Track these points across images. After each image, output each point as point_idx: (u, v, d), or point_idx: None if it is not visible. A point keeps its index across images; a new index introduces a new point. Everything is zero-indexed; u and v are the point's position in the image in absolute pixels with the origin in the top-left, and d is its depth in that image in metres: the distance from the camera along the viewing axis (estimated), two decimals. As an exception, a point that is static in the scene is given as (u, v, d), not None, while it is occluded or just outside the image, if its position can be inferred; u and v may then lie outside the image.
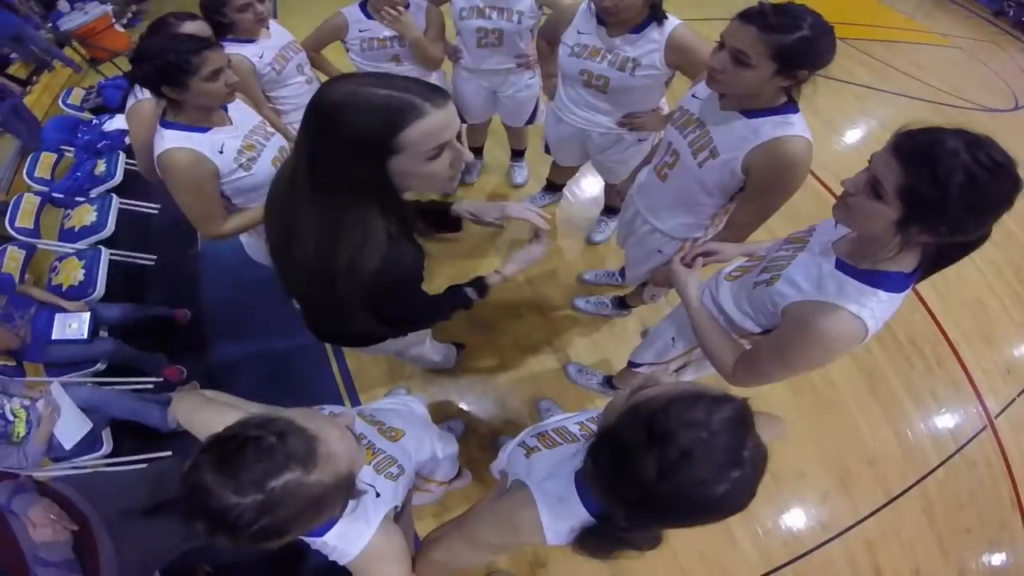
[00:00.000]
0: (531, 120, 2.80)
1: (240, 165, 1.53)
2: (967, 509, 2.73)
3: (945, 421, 2.86)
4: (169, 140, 1.41)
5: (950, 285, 3.37)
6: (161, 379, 2.51)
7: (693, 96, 1.46)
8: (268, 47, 2.03)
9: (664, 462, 0.64)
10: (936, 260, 0.96)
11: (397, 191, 0.94)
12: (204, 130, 1.45)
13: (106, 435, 2.12)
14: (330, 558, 0.90)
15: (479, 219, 1.32)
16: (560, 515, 0.88)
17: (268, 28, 2.05)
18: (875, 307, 0.95)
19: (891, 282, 0.96)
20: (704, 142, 1.40)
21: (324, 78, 2.02)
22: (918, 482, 2.64)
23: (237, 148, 1.52)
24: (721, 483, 0.63)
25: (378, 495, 0.98)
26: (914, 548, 2.54)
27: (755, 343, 1.22)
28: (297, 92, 2.19)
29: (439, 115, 0.84)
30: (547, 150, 2.60)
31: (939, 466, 2.72)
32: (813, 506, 2.44)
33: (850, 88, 5.01)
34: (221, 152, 1.48)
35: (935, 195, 0.80)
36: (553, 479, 0.93)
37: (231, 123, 1.54)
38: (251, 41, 1.99)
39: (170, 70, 1.31)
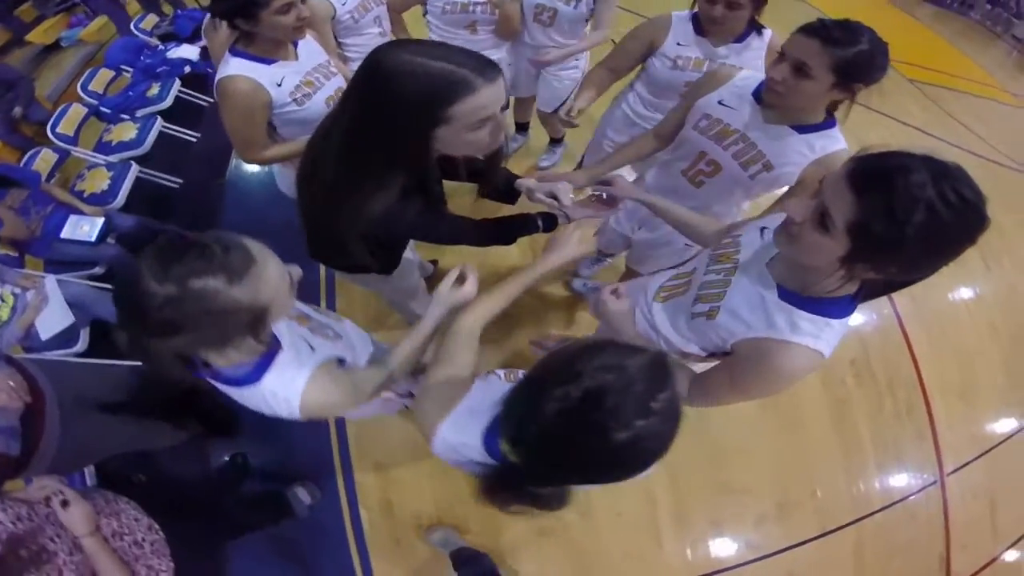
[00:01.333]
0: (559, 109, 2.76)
1: (294, 100, 1.56)
2: (896, 559, 2.70)
3: (898, 469, 2.81)
4: (232, 67, 1.46)
5: (945, 335, 3.27)
6: None
7: (721, 103, 1.43)
8: None
9: (567, 401, 0.61)
10: (882, 290, 0.92)
11: (432, 155, 1.00)
12: (269, 62, 1.50)
13: (84, 333, 2.14)
14: (275, 412, 0.92)
15: (532, 198, 1.40)
16: (460, 428, 0.90)
17: None
18: (829, 336, 0.94)
19: (839, 309, 0.93)
20: (753, 156, 1.40)
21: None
22: (855, 522, 2.59)
23: (295, 84, 1.56)
24: (622, 430, 0.60)
25: (313, 349, 1.02)
26: None
27: (708, 371, 1.20)
28: (370, 43, 2.18)
29: (489, 90, 0.89)
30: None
31: (880, 511, 2.67)
32: (747, 525, 2.39)
33: (904, 128, 4.81)
34: (279, 85, 1.52)
35: (890, 233, 0.71)
36: (479, 401, 0.93)
37: (296, 59, 1.58)
38: None
39: (244, 2, 1.37)
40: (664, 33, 1.70)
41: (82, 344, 2.11)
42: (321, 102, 1.63)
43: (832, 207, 0.76)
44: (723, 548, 2.32)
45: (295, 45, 1.59)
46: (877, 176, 0.72)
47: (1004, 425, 3.16)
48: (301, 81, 1.57)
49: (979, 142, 5.25)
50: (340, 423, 2.14)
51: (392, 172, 1.00)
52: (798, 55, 1.18)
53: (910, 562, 2.74)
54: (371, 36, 2.24)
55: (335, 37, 2.16)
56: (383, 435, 2.11)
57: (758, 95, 1.34)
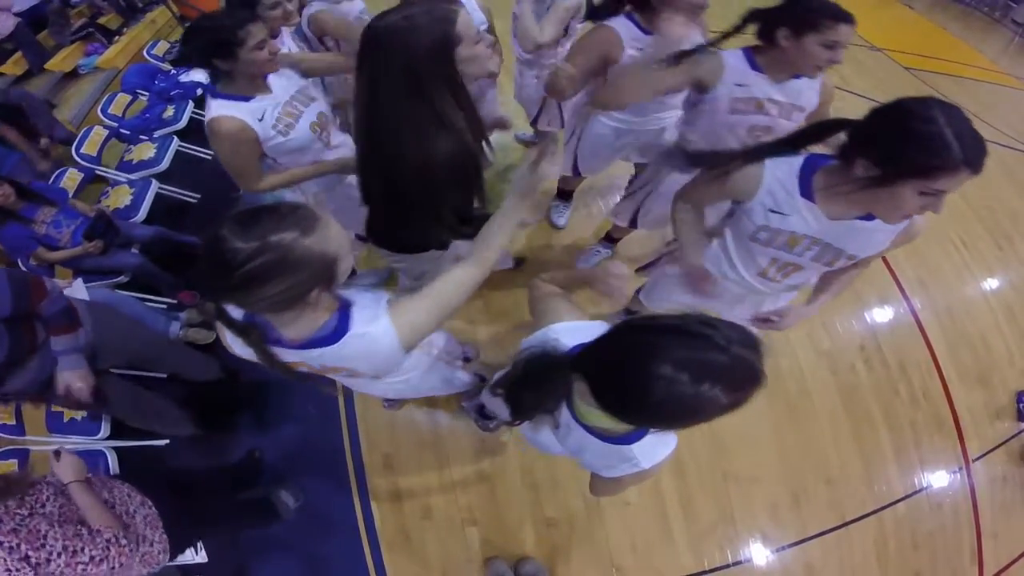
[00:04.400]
0: (535, 121, 2.81)
1: (278, 131, 1.65)
2: (922, 551, 2.62)
3: (918, 455, 2.73)
4: (216, 109, 1.56)
5: (956, 319, 3.20)
6: (176, 300, 2.70)
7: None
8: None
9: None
10: None
11: (461, 77, 1.18)
12: (248, 99, 1.59)
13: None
14: (374, 349, 0.98)
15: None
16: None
17: None
18: None
19: None
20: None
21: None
22: (875, 512, 2.53)
23: (276, 116, 1.65)
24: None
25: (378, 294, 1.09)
26: None
27: None
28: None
29: (464, 11, 1.14)
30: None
31: (902, 500, 2.60)
32: (759, 516, 2.35)
33: None
34: (261, 120, 1.61)
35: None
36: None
37: (271, 92, 1.65)
38: None
39: (222, 41, 1.47)
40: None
41: None
42: (306, 128, 1.73)
43: None
44: (735, 540, 2.28)
45: (265, 79, 1.65)
46: None
47: (1030, 409, 3.07)
48: (281, 112, 1.65)
49: (985, 127, 5.17)
50: (351, 417, 2.20)
51: (445, 105, 1.17)
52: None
53: (938, 553, 2.65)
54: None
55: None
56: (391, 428, 2.17)
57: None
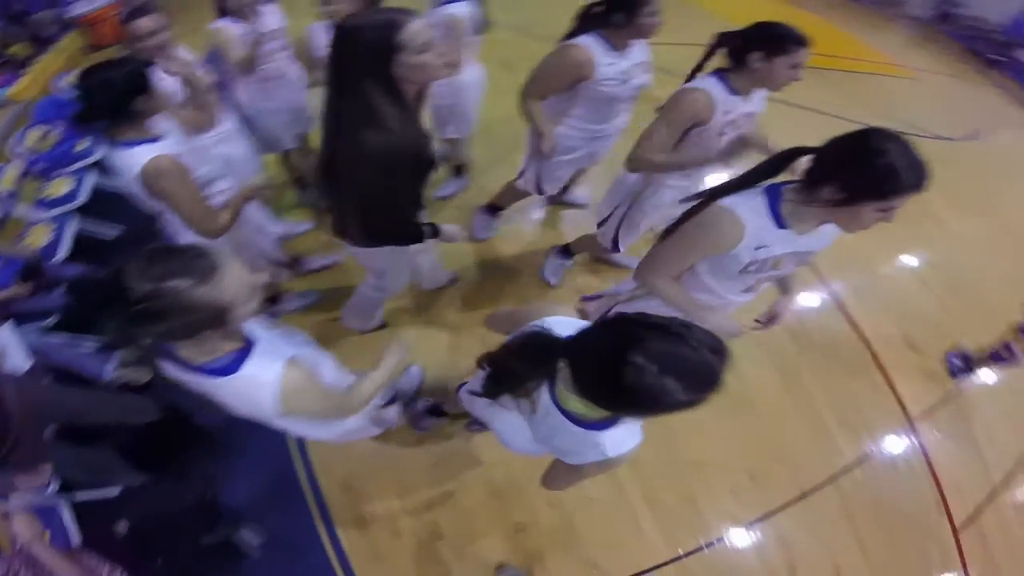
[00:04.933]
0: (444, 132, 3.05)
1: (191, 166, 1.68)
2: (888, 511, 2.72)
3: (862, 423, 2.88)
4: (143, 155, 1.53)
5: (875, 294, 3.48)
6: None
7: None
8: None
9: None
10: None
11: (400, 79, 1.30)
12: (156, 139, 1.60)
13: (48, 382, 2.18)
14: (255, 402, 1.04)
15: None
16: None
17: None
18: None
19: None
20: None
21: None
22: (832, 480, 2.64)
23: (183, 151, 1.69)
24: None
25: (287, 346, 1.17)
26: (832, 546, 2.53)
27: None
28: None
29: (417, 23, 1.26)
30: None
31: (855, 466, 2.73)
32: (721, 498, 2.44)
33: (815, 115, 5.29)
34: (177, 154, 1.62)
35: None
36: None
37: (163, 130, 1.70)
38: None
39: (132, 93, 1.49)
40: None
41: None
42: (218, 160, 1.86)
43: None
44: (703, 523, 2.35)
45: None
46: None
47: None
48: (186, 149, 1.71)
49: (887, 120, 5.70)
50: (302, 447, 2.21)
51: (378, 103, 1.29)
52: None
53: (905, 511, 2.76)
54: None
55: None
56: (344, 450, 2.19)
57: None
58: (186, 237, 1.79)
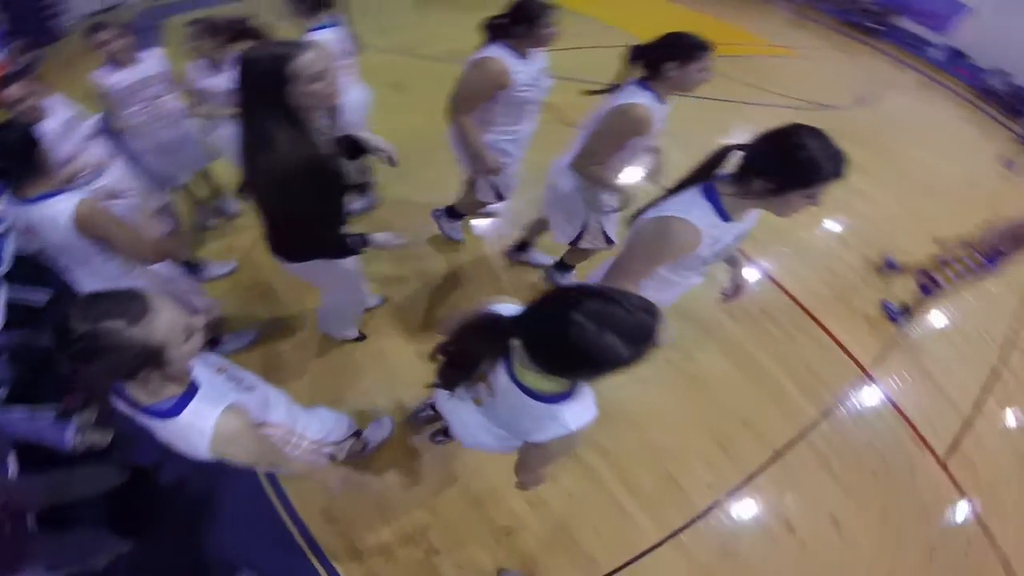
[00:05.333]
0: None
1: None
2: (866, 457, 2.83)
3: (816, 379, 3.04)
4: (66, 202, 1.59)
5: (799, 257, 3.76)
6: (62, 406, 2.45)
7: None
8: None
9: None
10: None
11: (294, 104, 1.39)
12: (70, 187, 1.67)
13: (12, 459, 2.14)
14: (192, 446, 1.08)
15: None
16: None
17: None
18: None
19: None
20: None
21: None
22: (801, 436, 2.76)
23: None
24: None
25: (226, 393, 1.21)
26: (820, 498, 2.60)
27: None
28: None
29: (310, 54, 1.36)
30: None
31: (822, 420, 2.86)
32: (697, 471, 2.52)
33: (713, 103, 5.63)
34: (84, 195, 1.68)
35: None
36: None
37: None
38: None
39: (31, 149, 1.56)
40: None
41: (12, 469, 2.08)
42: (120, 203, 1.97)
43: None
44: (686, 498, 2.42)
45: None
46: None
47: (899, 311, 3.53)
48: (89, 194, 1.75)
49: (767, 94, 6.28)
50: (274, 481, 2.20)
51: (272, 127, 1.38)
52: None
53: (885, 455, 2.86)
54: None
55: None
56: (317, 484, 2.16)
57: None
58: (91, 285, 1.83)
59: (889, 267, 3.83)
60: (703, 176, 1.45)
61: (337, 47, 2.53)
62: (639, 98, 1.91)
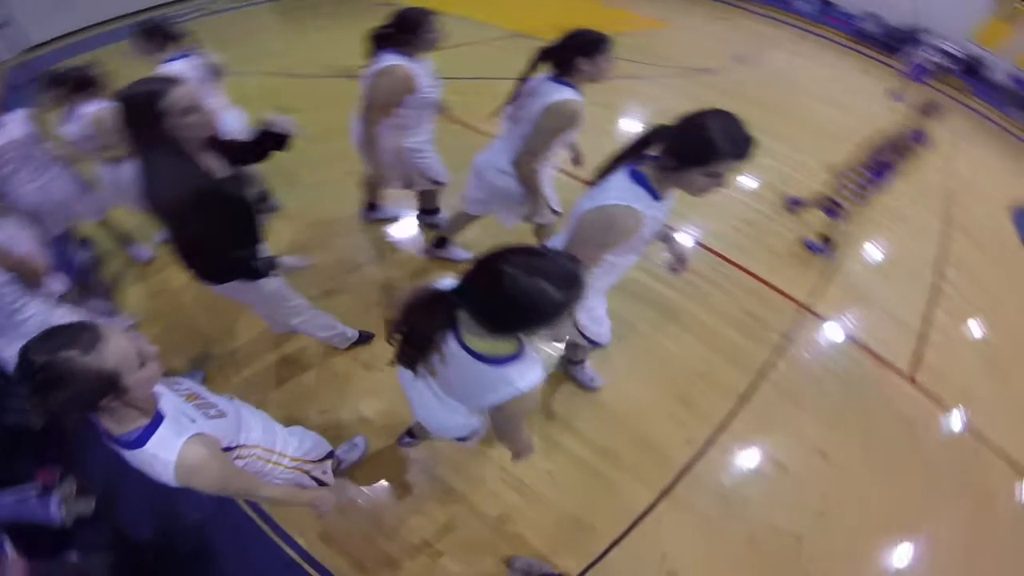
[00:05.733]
0: None
1: None
2: (832, 386, 2.94)
3: (761, 324, 3.18)
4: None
5: (716, 218, 3.99)
6: (39, 484, 2.43)
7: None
8: None
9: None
10: None
11: (179, 141, 1.47)
12: None
13: (7, 543, 2.01)
14: (158, 476, 1.11)
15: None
16: None
17: None
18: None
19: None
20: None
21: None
22: (761, 377, 2.87)
23: None
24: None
25: (194, 422, 1.23)
26: (799, 433, 2.68)
27: None
28: None
29: (179, 89, 1.43)
30: None
31: (777, 359, 2.99)
32: (668, 429, 2.58)
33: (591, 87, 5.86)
34: None
35: None
36: None
37: None
38: None
39: None
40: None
41: (10, 554, 1.96)
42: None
43: None
44: (666, 457, 2.45)
45: None
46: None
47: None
48: None
49: (647, 67, 6.63)
50: (262, 513, 2.14)
51: (154, 157, 1.46)
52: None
53: (849, 382, 2.98)
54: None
55: None
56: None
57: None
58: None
59: (794, 204, 4.15)
60: (629, 159, 1.52)
61: (194, 76, 2.60)
62: (568, 94, 2.03)
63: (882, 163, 3.40)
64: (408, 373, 1.30)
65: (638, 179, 1.49)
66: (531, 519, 2.21)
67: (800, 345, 3.11)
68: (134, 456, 1.10)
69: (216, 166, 1.61)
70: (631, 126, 5.35)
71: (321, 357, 2.70)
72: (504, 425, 1.32)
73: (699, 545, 2.23)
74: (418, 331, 1.14)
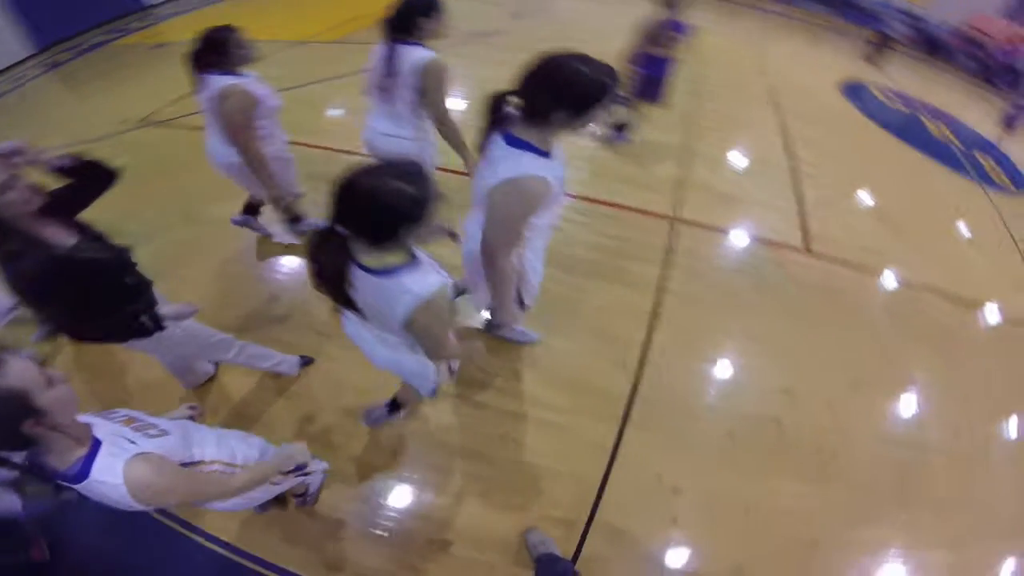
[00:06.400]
0: None
1: None
2: (739, 282, 3.16)
3: (639, 245, 3.35)
4: None
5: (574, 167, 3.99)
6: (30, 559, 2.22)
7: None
8: None
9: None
10: None
11: (6, 221, 1.42)
12: None
13: None
14: (113, 501, 1.10)
15: None
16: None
17: None
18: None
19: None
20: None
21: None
22: (662, 291, 3.03)
23: None
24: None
25: (134, 443, 1.20)
26: (724, 330, 2.85)
27: None
28: None
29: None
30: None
31: (670, 272, 3.17)
32: (599, 366, 2.66)
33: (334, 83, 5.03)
34: None
35: None
36: None
37: None
38: None
39: None
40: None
41: None
42: None
43: None
44: (608, 389, 2.55)
45: None
46: None
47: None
48: None
49: (439, 43, 6.23)
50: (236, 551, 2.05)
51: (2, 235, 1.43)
52: None
53: (755, 273, 3.19)
54: None
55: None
56: (289, 528, 2.07)
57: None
58: None
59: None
60: (493, 127, 1.52)
61: None
62: (428, 52, 2.18)
63: (646, 55, 3.84)
64: (351, 324, 1.41)
65: (518, 144, 1.47)
66: (508, 484, 2.21)
67: (683, 254, 3.29)
68: (84, 488, 1.08)
69: (61, 233, 1.56)
70: (454, 103, 5.41)
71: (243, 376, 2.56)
72: (425, 341, 1.37)
73: (685, 456, 2.33)
74: (327, 269, 1.23)
